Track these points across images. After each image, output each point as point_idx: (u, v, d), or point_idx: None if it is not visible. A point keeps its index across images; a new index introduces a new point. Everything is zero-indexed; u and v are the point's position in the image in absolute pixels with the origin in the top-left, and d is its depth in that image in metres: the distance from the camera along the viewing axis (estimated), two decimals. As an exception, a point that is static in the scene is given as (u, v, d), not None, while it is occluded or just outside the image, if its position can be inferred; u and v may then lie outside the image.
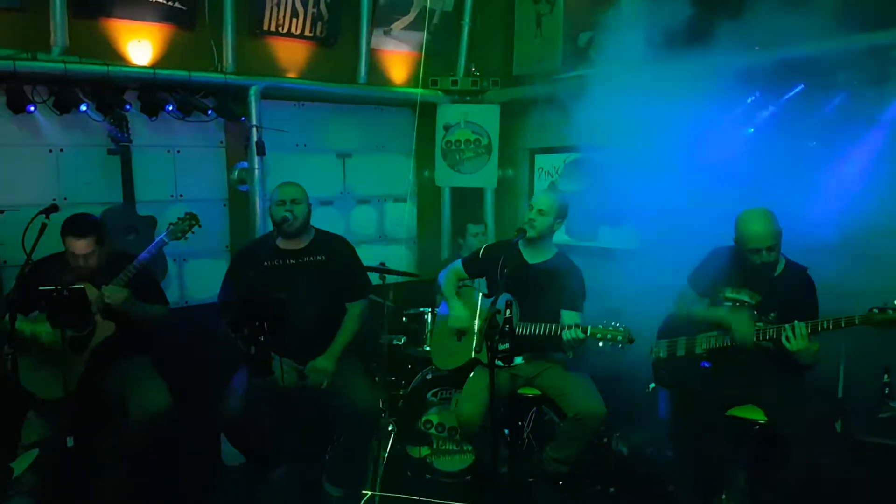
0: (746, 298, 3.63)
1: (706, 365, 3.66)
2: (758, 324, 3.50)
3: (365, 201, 6.33)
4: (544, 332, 3.73)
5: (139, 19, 4.95)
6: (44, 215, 3.77)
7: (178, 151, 5.28)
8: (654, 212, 5.42)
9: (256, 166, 5.33)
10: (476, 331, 3.95)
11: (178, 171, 5.29)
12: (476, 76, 6.40)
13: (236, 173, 5.46)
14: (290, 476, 4.14)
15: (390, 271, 5.09)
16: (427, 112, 6.43)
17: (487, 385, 3.80)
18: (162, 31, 5.07)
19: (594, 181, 5.93)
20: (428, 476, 4.53)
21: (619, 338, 3.47)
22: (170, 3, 5.04)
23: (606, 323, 3.53)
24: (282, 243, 4.08)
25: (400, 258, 6.47)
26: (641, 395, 3.99)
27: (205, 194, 5.40)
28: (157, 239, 4.06)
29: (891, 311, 3.16)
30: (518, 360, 3.25)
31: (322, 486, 4.22)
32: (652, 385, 3.89)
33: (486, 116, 6.35)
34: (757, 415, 3.55)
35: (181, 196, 5.29)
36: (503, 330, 3.17)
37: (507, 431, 4.06)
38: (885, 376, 3.82)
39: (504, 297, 3.37)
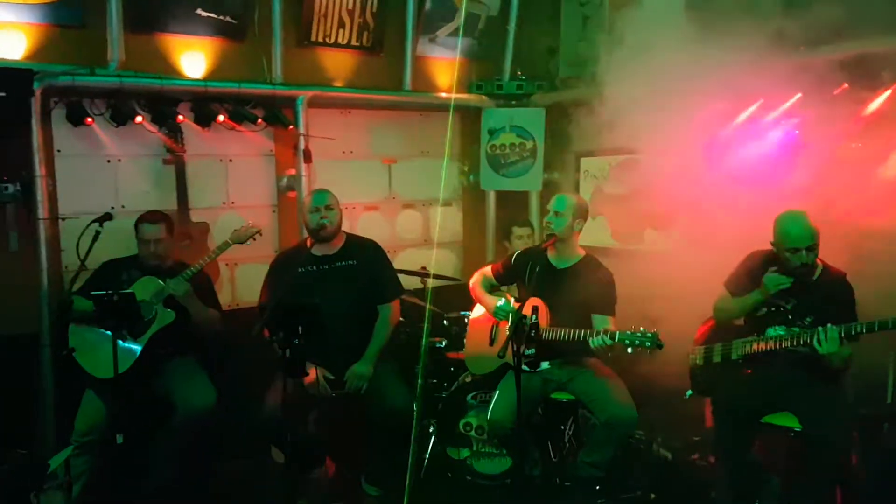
0: (782, 302, 3.58)
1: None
2: (792, 329, 3.45)
3: (410, 206, 6.42)
4: (572, 337, 3.74)
5: (192, 33, 5.16)
6: (98, 224, 3.99)
7: (230, 160, 5.47)
8: (701, 215, 5.39)
9: (303, 173, 5.48)
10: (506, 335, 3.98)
11: (230, 179, 5.49)
12: (522, 80, 6.42)
13: (285, 180, 5.62)
14: (331, 475, 4.25)
15: (430, 275, 5.17)
16: (472, 117, 6.50)
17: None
18: (213, 45, 5.27)
19: (640, 184, 5.89)
20: (468, 478, 4.58)
21: (648, 344, 3.46)
22: (221, 17, 5.23)
23: (635, 329, 3.52)
24: (315, 249, 4.21)
25: (446, 262, 6.56)
26: (682, 401, 3.96)
27: (255, 201, 5.58)
28: (223, 242, 4.25)
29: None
30: (545, 364, 3.27)
31: (360, 486, 4.32)
32: (689, 392, 3.85)
33: (532, 120, 6.36)
34: (792, 422, 3.49)
35: (233, 203, 5.48)
36: (529, 335, 3.20)
37: (539, 435, 4.08)
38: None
39: (531, 303, 3.40)
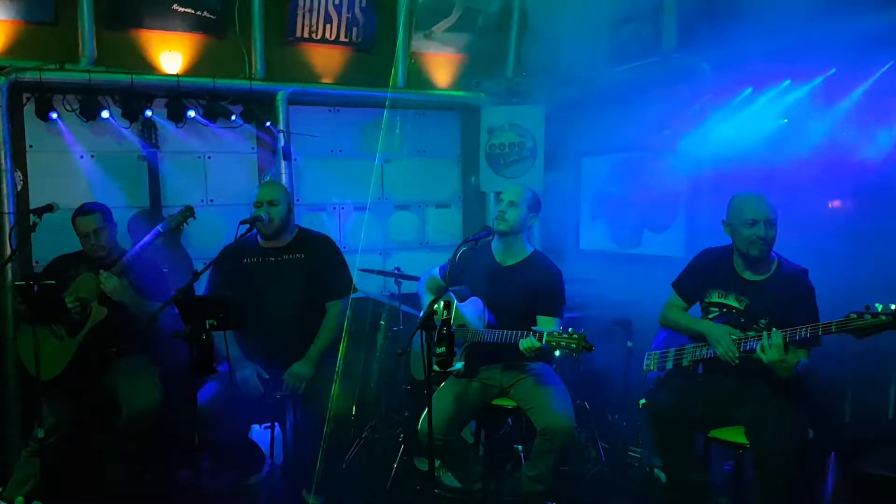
0: (734, 303, 3.20)
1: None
2: (734, 331, 3.07)
3: (404, 207, 6.21)
4: (504, 339, 3.44)
5: (169, 29, 5.12)
6: (36, 215, 3.94)
7: (209, 157, 5.39)
8: (699, 217, 5.01)
9: (284, 171, 5.36)
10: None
11: (209, 176, 5.41)
12: (522, 77, 6.15)
13: (268, 178, 5.51)
14: (269, 483, 4.07)
15: (405, 276, 4.96)
16: (471, 116, 6.26)
17: (452, 397, 3.61)
18: (192, 41, 5.22)
19: (639, 184, 5.55)
20: (436, 490, 4.32)
21: (574, 345, 3.13)
22: (199, 13, 5.18)
23: (561, 330, 3.20)
24: (263, 242, 4.05)
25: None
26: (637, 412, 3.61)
27: (236, 199, 5.48)
28: (154, 230, 4.14)
29: (868, 317, 2.68)
30: (458, 365, 3.00)
31: (301, 495, 4.10)
32: (642, 401, 3.49)
33: (531, 118, 6.07)
34: (741, 437, 3.10)
35: (211, 201, 5.40)
36: (440, 332, 2.94)
37: (480, 447, 3.78)
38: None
39: (446, 298, 3.12)
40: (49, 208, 4.01)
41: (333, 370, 3.99)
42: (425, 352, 2.95)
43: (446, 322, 2.95)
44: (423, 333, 2.97)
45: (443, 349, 2.95)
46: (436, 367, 2.98)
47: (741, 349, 3.07)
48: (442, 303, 3.00)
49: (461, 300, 3.75)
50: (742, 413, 3.13)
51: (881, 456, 3.21)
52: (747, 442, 3.05)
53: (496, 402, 3.76)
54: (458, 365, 2.99)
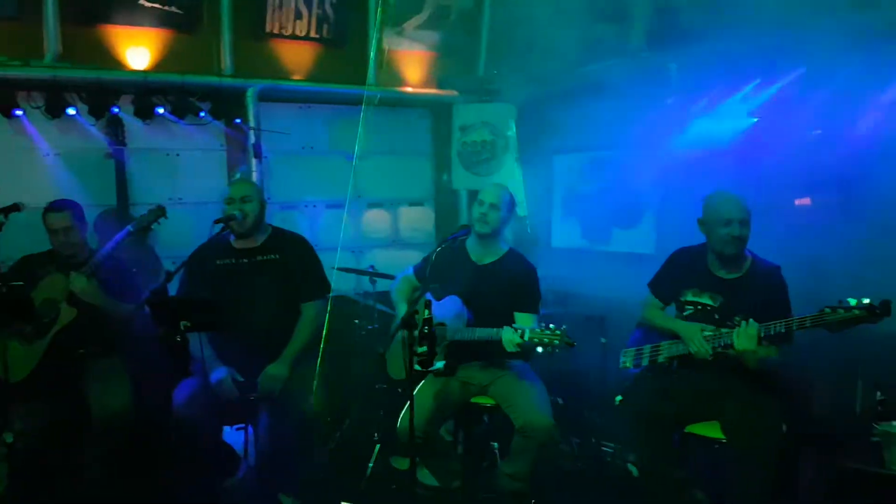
0: (708, 301, 3.26)
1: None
2: (707, 327, 3.13)
3: (377, 205, 6.19)
4: (486, 337, 3.45)
5: (136, 24, 5.03)
6: (2, 214, 3.84)
7: (178, 155, 5.31)
8: (669, 214, 5.08)
9: (255, 169, 5.30)
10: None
11: (179, 174, 5.33)
12: (493, 75, 6.16)
13: (239, 176, 5.45)
14: (245, 486, 4.02)
15: (379, 275, 4.94)
16: (443, 113, 6.26)
17: (432, 395, 3.62)
18: (160, 36, 5.13)
19: (609, 182, 5.61)
20: (416, 490, 4.31)
21: (556, 342, 3.16)
22: (167, 8, 5.09)
23: (543, 326, 3.22)
24: (236, 242, 3.98)
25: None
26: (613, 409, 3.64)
27: (206, 197, 5.39)
28: (124, 230, 4.06)
29: (842, 311, 2.76)
30: (439, 364, 3.00)
31: (277, 498, 4.06)
32: (619, 398, 3.52)
33: (503, 116, 6.09)
34: (717, 432, 3.15)
35: (180, 199, 5.31)
36: (422, 331, 2.94)
37: (459, 444, 3.79)
38: (879, 394, 3.32)
39: (426, 298, 3.12)
40: (15, 207, 3.90)
41: (308, 372, 3.95)
42: (406, 351, 2.94)
43: (427, 321, 2.95)
44: (405, 333, 2.96)
45: (424, 348, 2.94)
46: (417, 367, 2.98)
47: (716, 346, 3.12)
48: (423, 302, 2.99)
49: (438, 299, 3.75)
50: (718, 409, 3.18)
51: (852, 449, 3.30)
52: (724, 437, 3.10)
53: (475, 399, 3.76)
54: (439, 364, 3.00)
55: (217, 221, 3.77)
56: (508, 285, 3.65)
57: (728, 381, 3.18)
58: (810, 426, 3.53)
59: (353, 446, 4.73)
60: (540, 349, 3.20)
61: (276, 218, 5.32)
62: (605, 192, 5.59)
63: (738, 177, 4.27)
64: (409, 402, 3.02)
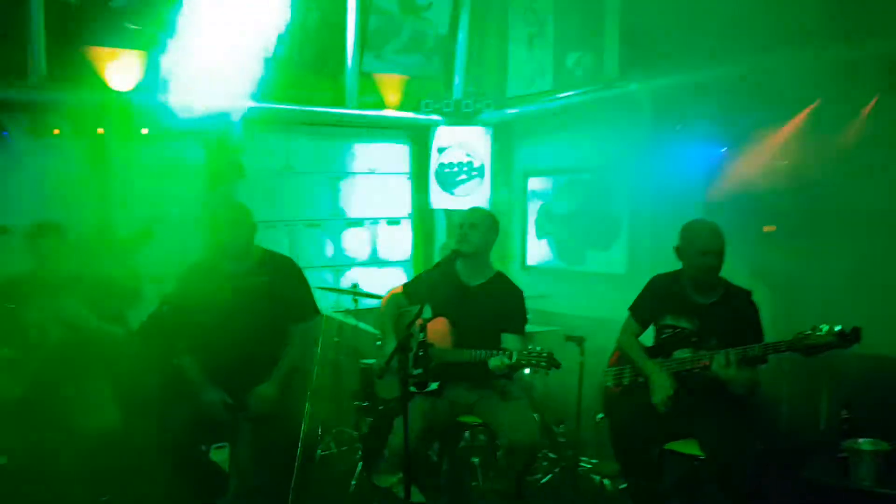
0: (686, 325, 3.44)
1: None
2: (700, 352, 3.31)
3: (356, 223, 6.30)
4: (474, 358, 3.58)
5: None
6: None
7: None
8: (641, 236, 5.29)
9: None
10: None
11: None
12: (470, 98, 6.33)
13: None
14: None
15: (362, 294, 5.04)
16: (421, 135, 6.40)
17: (421, 413, 3.71)
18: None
19: (583, 204, 5.81)
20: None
21: (544, 364, 3.30)
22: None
23: (532, 349, 3.36)
24: (225, 264, 4.04)
25: (395, 281, 6.40)
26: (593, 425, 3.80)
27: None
28: None
29: (817, 336, 2.94)
30: (433, 385, 3.12)
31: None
32: (600, 415, 3.68)
33: (480, 139, 6.26)
34: (696, 450, 3.32)
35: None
36: (416, 354, 3.05)
37: (445, 462, 3.90)
38: (844, 412, 3.54)
39: (422, 318, 3.23)
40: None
41: (297, 392, 4.03)
42: (402, 373, 3.05)
43: (422, 345, 3.06)
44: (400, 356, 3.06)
45: (420, 370, 3.05)
46: (412, 388, 3.09)
47: (696, 367, 3.32)
48: (417, 324, 3.11)
49: (426, 320, 3.86)
50: (696, 426, 3.34)
51: (818, 464, 3.50)
52: (702, 454, 3.28)
53: (462, 418, 3.88)
54: (434, 385, 3.12)
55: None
56: (497, 307, 3.76)
57: (705, 400, 3.34)
58: (777, 441, 3.72)
59: (334, 463, 4.80)
60: (528, 371, 3.33)
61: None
62: (578, 214, 5.77)
63: (707, 203, 4.51)
64: (403, 422, 3.11)
